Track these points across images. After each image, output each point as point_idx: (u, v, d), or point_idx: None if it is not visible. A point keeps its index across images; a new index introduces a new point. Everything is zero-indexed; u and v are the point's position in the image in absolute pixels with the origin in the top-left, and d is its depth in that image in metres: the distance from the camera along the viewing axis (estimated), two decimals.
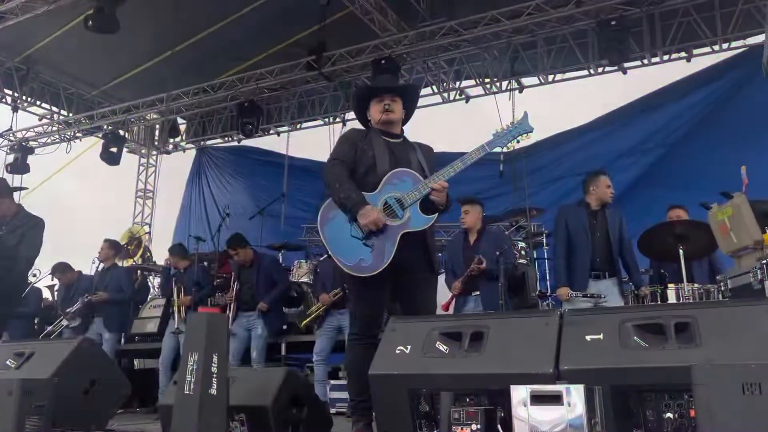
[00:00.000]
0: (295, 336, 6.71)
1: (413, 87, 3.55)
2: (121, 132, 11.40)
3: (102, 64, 10.28)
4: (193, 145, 12.35)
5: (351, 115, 10.38)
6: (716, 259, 5.40)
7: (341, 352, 6.12)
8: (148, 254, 10.21)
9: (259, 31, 9.04)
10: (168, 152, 12.61)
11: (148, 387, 7.00)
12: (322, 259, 6.81)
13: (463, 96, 9.66)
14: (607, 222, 4.84)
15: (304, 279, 7.13)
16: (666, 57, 8.37)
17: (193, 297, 6.59)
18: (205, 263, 7.34)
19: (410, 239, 3.10)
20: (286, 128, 11.08)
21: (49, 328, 7.25)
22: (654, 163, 8.47)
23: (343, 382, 6.09)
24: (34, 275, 7.69)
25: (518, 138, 3.25)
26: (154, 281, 9.00)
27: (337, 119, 10.61)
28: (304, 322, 6.31)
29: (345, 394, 5.87)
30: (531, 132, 3.29)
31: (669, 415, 2.20)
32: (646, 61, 8.41)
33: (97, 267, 7.59)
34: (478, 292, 5.20)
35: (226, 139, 11.87)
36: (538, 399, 2.00)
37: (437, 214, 3.19)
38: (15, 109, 10.67)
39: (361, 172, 3.20)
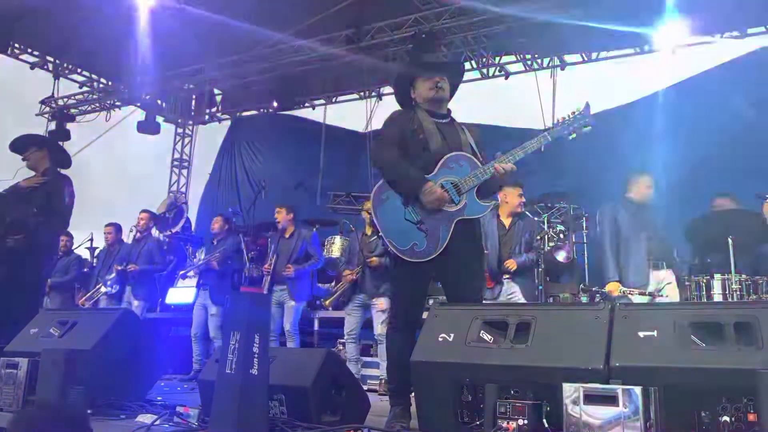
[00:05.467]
0: (327, 312, 6.72)
1: (461, 65, 3.41)
2: (159, 101, 11.47)
3: None
4: (228, 116, 12.38)
5: (386, 89, 10.26)
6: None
7: (370, 329, 6.12)
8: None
9: (297, 3, 8.91)
10: (204, 123, 12.67)
11: (181, 354, 7.13)
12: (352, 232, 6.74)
13: (502, 72, 9.45)
14: (653, 219, 4.69)
15: (336, 255, 7.14)
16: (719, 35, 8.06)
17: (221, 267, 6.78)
18: (240, 235, 7.36)
19: (461, 226, 3.02)
20: (322, 101, 11.01)
21: (87, 294, 7.39)
22: (707, 150, 8.00)
23: (375, 359, 6.09)
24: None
25: (580, 130, 3.11)
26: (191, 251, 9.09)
27: (373, 93, 10.49)
28: (328, 300, 6.30)
29: (376, 371, 5.89)
30: (593, 126, 3.14)
31: (725, 418, 2.11)
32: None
33: (134, 236, 7.70)
34: (508, 276, 5.04)
35: (261, 110, 11.85)
36: (591, 398, 1.94)
37: (493, 201, 3.10)
38: (56, 76, 10.80)
39: (412, 155, 3.08)
